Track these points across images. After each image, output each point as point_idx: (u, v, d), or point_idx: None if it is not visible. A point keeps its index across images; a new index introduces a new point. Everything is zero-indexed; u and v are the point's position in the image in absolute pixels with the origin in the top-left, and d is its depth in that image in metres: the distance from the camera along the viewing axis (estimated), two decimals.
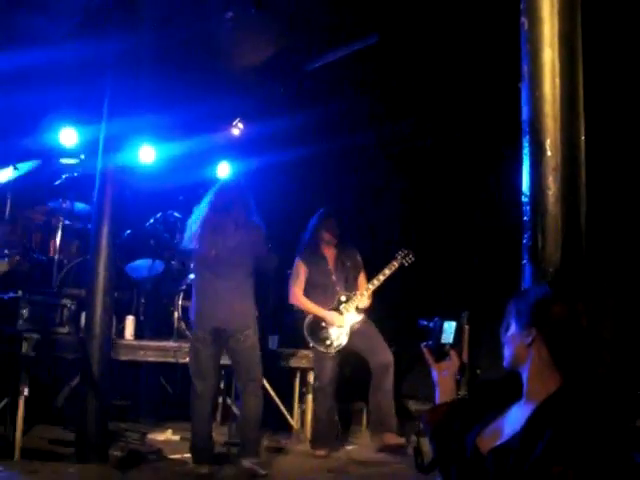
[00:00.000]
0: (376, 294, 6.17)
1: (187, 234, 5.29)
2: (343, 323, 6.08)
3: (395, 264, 6.21)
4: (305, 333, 6.13)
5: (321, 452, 5.90)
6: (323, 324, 6.09)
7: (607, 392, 1.94)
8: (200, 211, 5.27)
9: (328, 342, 6.04)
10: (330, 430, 6.07)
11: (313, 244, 6.37)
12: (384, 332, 6.16)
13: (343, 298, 6.16)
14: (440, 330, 2.41)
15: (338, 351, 6.04)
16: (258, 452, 5.19)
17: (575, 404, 1.90)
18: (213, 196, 5.26)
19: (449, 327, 2.41)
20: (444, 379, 2.41)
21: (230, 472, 5.10)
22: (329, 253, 6.35)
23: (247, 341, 5.10)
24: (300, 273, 6.28)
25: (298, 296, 6.26)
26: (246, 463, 5.04)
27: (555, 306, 2.04)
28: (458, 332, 2.41)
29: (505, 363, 2.15)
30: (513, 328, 2.12)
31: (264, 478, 5.00)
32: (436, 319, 2.46)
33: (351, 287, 6.25)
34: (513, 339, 2.11)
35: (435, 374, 2.44)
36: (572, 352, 1.99)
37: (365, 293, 6.17)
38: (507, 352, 2.14)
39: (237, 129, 8.14)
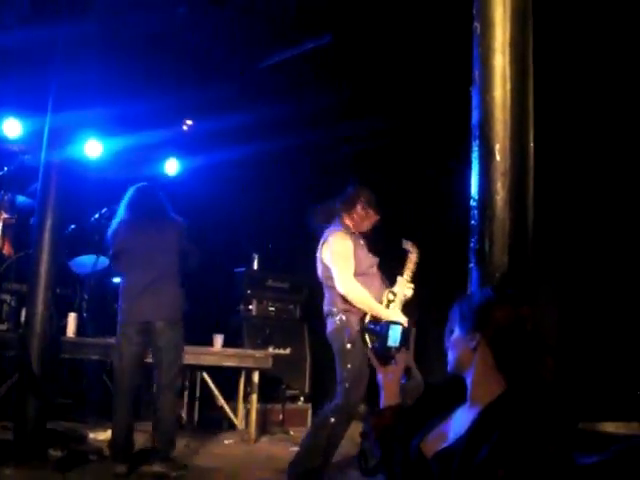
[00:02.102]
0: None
1: (109, 236, 5.22)
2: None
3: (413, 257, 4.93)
4: (367, 337, 4.51)
5: None
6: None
7: (551, 396, 1.95)
8: (120, 214, 5.24)
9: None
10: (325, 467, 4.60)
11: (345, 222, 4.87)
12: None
13: (391, 296, 4.75)
14: (386, 334, 2.41)
15: None
16: (171, 456, 5.01)
17: (519, 408, 1.90)
18: (129, 198, 5.25)
19: (395, 331, 2.41)
20: (389, 382, 2.41)
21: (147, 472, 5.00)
22: (361, 238, 4.89)
23: (172, 337, 5.05)
24: (349, 253, 4.66)
25: (354, 285, 4.58)
26: (157, 467, 4.89)
27: (499, 310, 2.04)
28: (404, 336, 2.42)
29: (449, 367, 2.15)
30: (457, 332, 2.12)
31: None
32: (383, 323, 2.47)
33: None
34: (457, 343, 2.11)
35: (380, 377, 2.43)
36: (516, 356, 1.99)
37: (404, 281, 4.83)
38: (451, 356, 2.14)
39: (186, 126, 8.06)
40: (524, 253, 2.82)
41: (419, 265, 4.97)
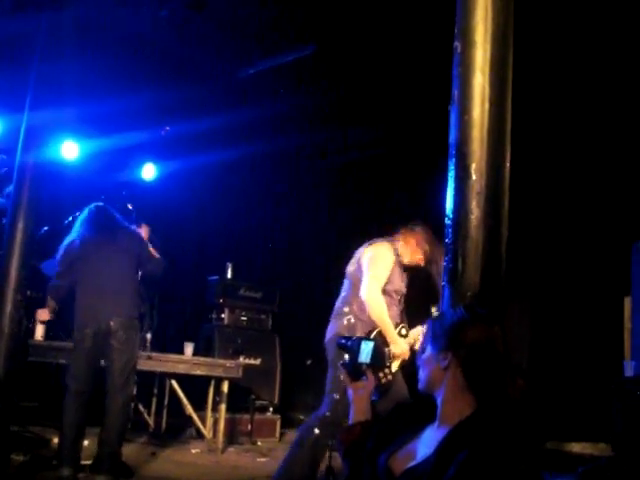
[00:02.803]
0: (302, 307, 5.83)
1: (63, 248, 5.18)
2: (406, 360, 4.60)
3: None
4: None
5: None
6: (386, 350, 4.48)
7: (519, 416, 1.95)
8: (76, 230, 5.23)
9: (381, 375, 4.35)
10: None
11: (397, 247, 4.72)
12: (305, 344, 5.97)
13: (403, 331, 4.64)
14: (357, 349, 2.40)
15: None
16: (114, 470, 4.83)
17: (488, 428, 1.90)
18: (85, 216, 5.25)
19: (366, 347, 2.40)
20: (359, 398, 2.40)
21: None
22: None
23: (126, 337, 4.98)
24: (388, 266, 4.57)
25: (378, 296, 4.46)
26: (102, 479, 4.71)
27: (471, 330, 2.05)
28: (375, 352, 2.41)
29: (420, 386, 2.14)
30: (429, 351, 2.11)
31: None
32: (354, 338, 2.45)
33: None
34: (428, 362, 2.10)
35: (351, 393, 2.42)
36: (487, 377, 2.00)
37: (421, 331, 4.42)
38: (422, 375, 2.13)
39: (164, 131, 8.01)
40: (497, 273, 2.83)
41: None
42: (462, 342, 2.03)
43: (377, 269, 4.51)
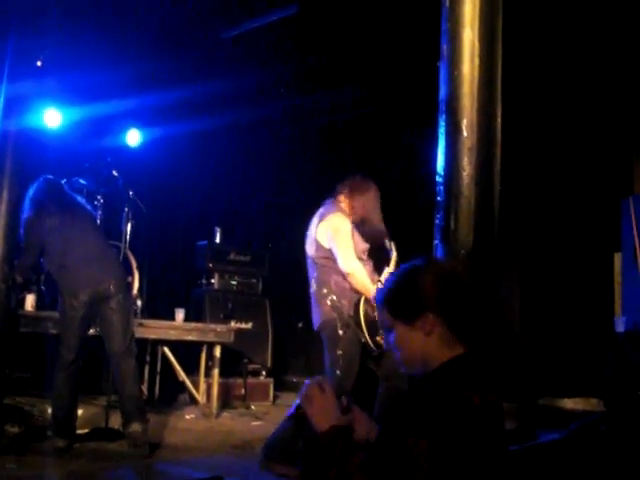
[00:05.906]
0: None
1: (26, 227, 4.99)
2: None
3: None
4: (362, 320, 4.45)
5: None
6: (376, 313, 4.28)
7: (510, 362, 1.91)
8: (31, 203, 5.02)
9: (378, 338, 4.45)
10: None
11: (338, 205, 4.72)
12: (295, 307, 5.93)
13: (380, 285, 4.47)
14: None
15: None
16: (146, 417, 4.89)
17: (439, 378, 1.85)
18: (39, 191, 5.08)
19: None
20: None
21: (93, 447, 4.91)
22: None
23: (124, 300, 4.96)
24: (348, 232, 4.55)
25: (358, 264, 4.49)
26: (137, 427, 4.70)
27: (429, 275, 1.94)
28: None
29: (405, 369, 1.99)
30: (401, 328, 1.95)
31: (144, 457, 4.70)
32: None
33: None
34: (405, 338, 1.95)
35: None
36: (470, 312, 1.93)
37: (389, 272, 4.72)
38: (403, 355, 1.97)
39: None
40: (489, 230, 2.81)
41: None
42: (429, 296, 1.91)
43: (344, 240, 4.51)
